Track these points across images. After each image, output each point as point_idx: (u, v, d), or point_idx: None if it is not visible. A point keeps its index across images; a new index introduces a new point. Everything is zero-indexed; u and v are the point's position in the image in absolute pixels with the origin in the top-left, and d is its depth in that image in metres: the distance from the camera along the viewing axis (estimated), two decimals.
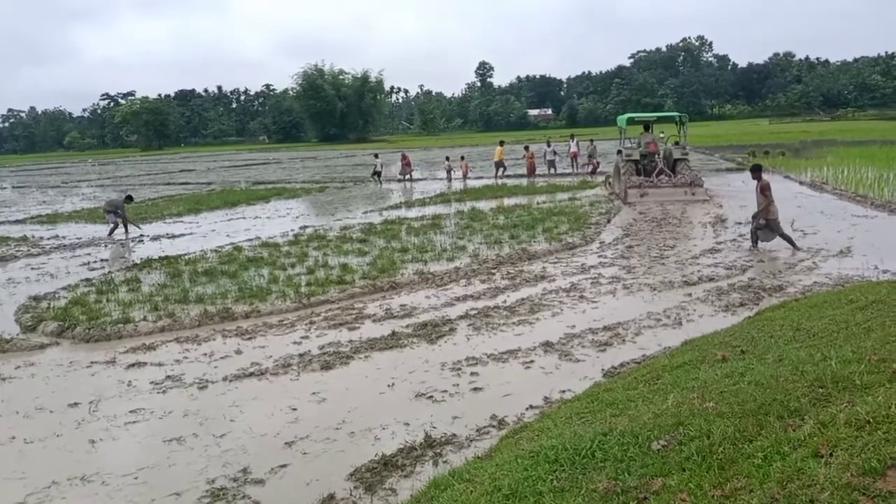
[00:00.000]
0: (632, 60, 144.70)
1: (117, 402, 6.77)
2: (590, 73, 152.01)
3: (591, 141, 31.97)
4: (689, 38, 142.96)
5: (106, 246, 16.61)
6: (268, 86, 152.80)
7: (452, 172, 31.58)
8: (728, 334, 6.71)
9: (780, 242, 12.19)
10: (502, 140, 35.79)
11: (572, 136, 33.82)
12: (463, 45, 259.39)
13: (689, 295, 9.49)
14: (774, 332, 6.25)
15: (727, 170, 28.76)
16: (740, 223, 14.91)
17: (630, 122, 22.16)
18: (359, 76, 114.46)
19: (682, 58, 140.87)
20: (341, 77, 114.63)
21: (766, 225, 12.16)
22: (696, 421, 4.01)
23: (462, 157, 33.43)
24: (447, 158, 33.19)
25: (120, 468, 5.38)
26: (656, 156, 20.92)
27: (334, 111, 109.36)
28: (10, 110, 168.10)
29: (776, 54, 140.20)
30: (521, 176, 29.79)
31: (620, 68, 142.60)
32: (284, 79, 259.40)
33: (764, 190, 12.07)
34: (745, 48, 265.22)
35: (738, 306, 8.80)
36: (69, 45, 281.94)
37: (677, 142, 21.86)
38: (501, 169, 30.32)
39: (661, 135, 23.20)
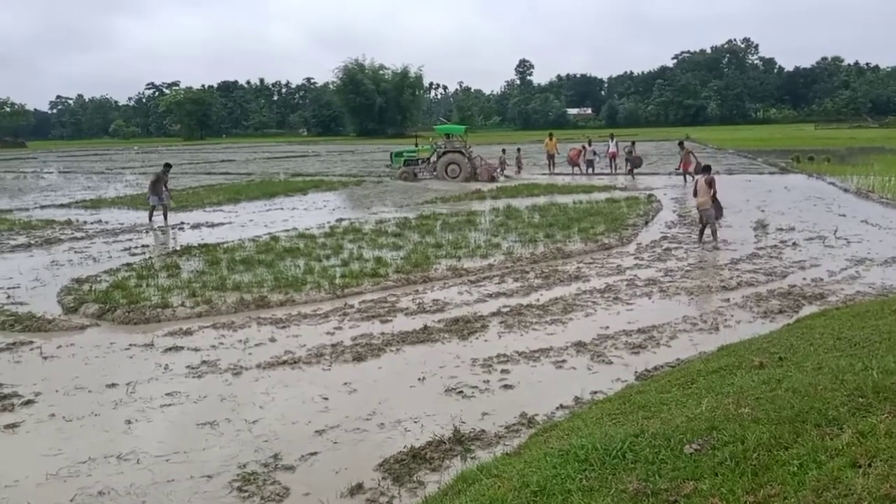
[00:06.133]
0: (675, 61, 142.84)
1: (154, 384, 6.91)
2: (631, 73, 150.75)
3: (633, 143, 31.48)
4: (735, 40, 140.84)
5: (147, 232, 16.94)
6: (309, 79, 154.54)
7: (507, 164, 31.87)
8: (766, 341, 6.60)
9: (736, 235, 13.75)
10: (551, 133, 35.93)
11: (611, 137, 33.45)
12: (502, 43, 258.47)
13: (727, 300, 9.34)
14: (814, 340, 6.13)
15: (770, 174, 28.21)
16: (782, 229, 14.62)
17: (465, 131, 33.14)
18: (398, 71, 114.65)
19: (726, 59, 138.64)
20: (381, 72, 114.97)
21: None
22: (730, 426, 3.95)
23: (518, 150, 33.71)
24: (503, 151, 33.63)
25: (154, 449, 5.49)
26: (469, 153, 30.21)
27: (373, 106, 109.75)
28: (58, 97, 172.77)
29: (824, 58, 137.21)
30: (566, 174, 30.11)
31: (663, 69, 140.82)
32: (324, 72, 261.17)
33: (710, 184, 13.32)
34: (792, 52, 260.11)
35: (776, 313, 8.64)
36: (115, 36, 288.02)
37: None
38: (552, 161, 31.84)
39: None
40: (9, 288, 11.02)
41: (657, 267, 11.51)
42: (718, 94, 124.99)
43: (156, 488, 4.91)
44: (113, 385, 6.88)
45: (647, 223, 16.06)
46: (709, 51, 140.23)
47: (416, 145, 33.16)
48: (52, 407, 6.41)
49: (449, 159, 29.40)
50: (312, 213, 19.94)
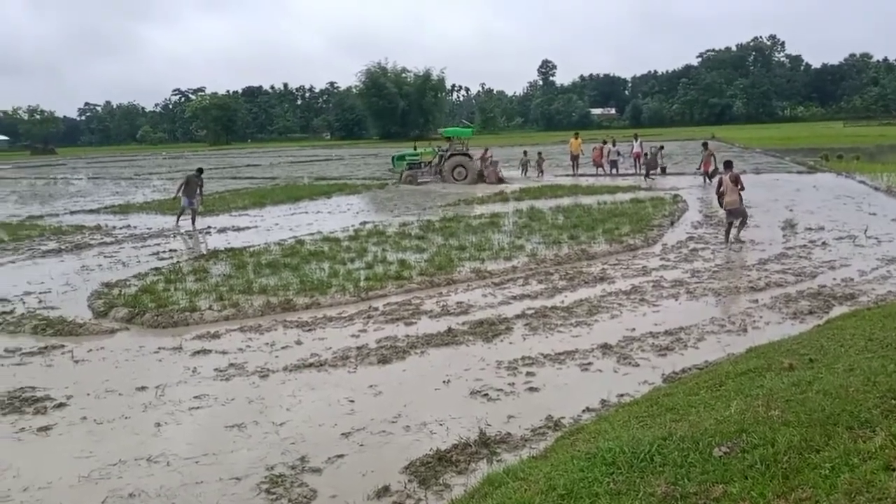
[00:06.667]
0: (699, 60, 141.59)
1: (183, 387, 6.99)
2: (655, 72, 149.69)
3: (662, 147, 31.25)
4: (761, 37, 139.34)
5: (174, 236, 17.15)
6: (332, 83, 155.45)
7: (529, 166, 32.03)
8: (795, 342, 6.51)
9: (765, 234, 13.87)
10: (577, 132, 35.75)
11: (636, 137, 33.18)
12: (525, 45, 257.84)
13: (756, 301, 9.22)
14: (845, 341, 6.03)
15: (798, 173, 27.82)
16: (811, 229, 14.41)
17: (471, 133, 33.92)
18: (421, 74, 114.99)
19: (752, 58, 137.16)
20: (404, 75, 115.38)
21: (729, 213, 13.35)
22: (760, 429, 3.90)
23: (539, 154, 33.56)
24: (525, 153, 33.45)
25: (184, 451, 5.56)
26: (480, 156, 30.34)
27: (396, 109, 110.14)
28: (86, 104, 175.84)
29: (852, 55, 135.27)
30: (591, 175, 30.06)
31: (688, 68, 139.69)
32: (347, 76, 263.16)
33: (736, 181, 13.24)
34: (819, 49, 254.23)
35: (806, 314, 8.51)
36: (141, 43, 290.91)
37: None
38: (576, 162, 31.59)
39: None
40: (40, 293, 11.23)
41: (684, 268, 11.40)
42: (744, 93, 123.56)
43: (185, 490, 4.97)
44: (142, 388, 6.98)
45: (672, 224, 15.91)
46: (734, 49, 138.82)
47: (415, 148, 33.50)
48: (84, 410, 6.52)
49: (456, 162, 29.66)
50: (336, 216, 20.05)
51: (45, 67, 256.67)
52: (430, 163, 30.95)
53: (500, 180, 28.74)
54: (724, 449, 3.76)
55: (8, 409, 6.57)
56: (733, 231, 13.32)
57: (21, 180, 45.02)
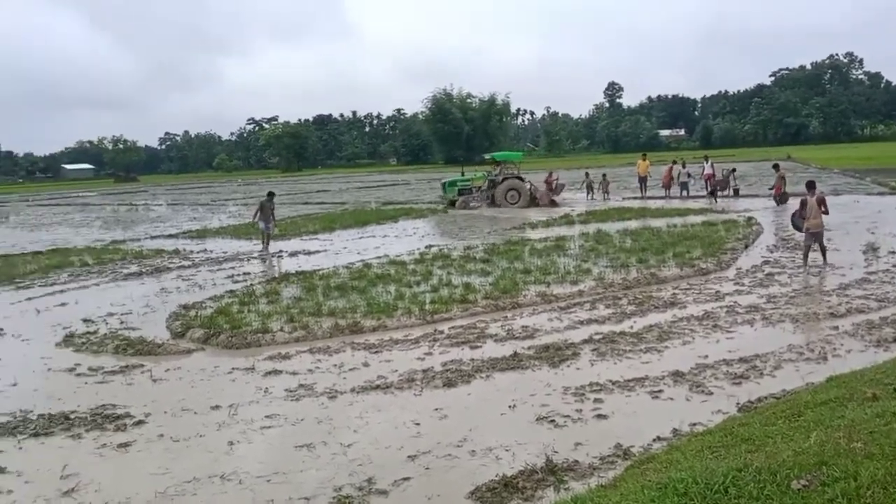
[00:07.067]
0: (772, 79, 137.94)
1: (255, 407, 7.17)
2: (726, 92, 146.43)
3: (734, 169, 30.51)
4: (837, 55, 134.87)
5: (248, 260, 17.65)
6: (399, 110, 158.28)
7: (593, 188, 31.82)
8: (879, 371, 6.21)
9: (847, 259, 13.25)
10: (645, 153, 35.15)
11: (706, 158, 32.43)
12: (590, 67, 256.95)
13: (836, 328, 8.83)
14: None
15: (880, 194, 26.63)
16: (894, 252, 13.74)
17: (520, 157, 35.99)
18: (485, 99, 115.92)
19: (828, 75, 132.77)
20: (468, 100, 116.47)
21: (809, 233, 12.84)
22: (841, 461, 3.73)
23: (604, 175, 33.20)
24: (587, 174, 33.17)
25: (255, 470, 5.69)
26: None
27: (461, 134, 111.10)
28: (166, 134, 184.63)
29: None
30: (660, 197, 29.50)
31: (760, 87, 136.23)
32: (413, 103, 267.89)
33: (820, 203, 12.85)
34: None
35: (891, 342, 8.10)
36: (218, 75, 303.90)
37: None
38: (644, 184, 30.99)
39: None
40: (122, 314, 11.74)
41: (759, 293, 11.03)
42: (821, 112, 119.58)
43: None
44: (217, 407, 7.19)
45: (746, 247, 15.44)
46: (809, 67, 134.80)
47: (463, 174, 33.57)
48: (161, 427, 6.76)
49: (509, 185, 29.78)
50: (403, 240, 20.28)
51: (129, 100, 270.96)
52: (480, 188, 31.00)
53: (553, 203, 28.84)
54: (804, 482, 3.61)
55: (91, 426, 6.87)
56: (812, 255, 12.84)
57: (105, 207, 47.36)
